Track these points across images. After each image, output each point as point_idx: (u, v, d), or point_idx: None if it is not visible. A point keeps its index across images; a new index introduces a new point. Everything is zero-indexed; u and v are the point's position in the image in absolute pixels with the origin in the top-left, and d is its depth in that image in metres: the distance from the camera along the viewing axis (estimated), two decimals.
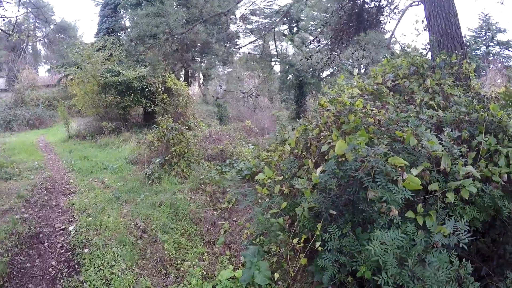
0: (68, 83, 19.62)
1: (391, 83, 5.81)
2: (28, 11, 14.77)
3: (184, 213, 6.70)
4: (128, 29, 11.30)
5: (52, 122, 26.04)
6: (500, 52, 41.21)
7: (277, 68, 29.09)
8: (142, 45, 9.91)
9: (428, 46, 8.39)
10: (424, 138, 3.65)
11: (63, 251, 5.52)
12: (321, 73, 21.23)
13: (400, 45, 9.34)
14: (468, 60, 7.31)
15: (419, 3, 9.39)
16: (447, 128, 4.23)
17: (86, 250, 5.41)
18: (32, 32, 34.48)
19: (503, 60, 39.52)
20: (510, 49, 40.66)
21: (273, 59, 25.75)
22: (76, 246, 5.58)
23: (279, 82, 28.49)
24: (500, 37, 41.19)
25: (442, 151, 3.57)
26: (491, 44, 41.30)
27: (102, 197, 7.69)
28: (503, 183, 3.86)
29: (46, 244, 5.74)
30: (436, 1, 7.96)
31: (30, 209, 7.10)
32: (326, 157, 4.04)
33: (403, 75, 5.90)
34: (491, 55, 40.27)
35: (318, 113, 4.36)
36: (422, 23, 8.79)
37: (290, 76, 26.66)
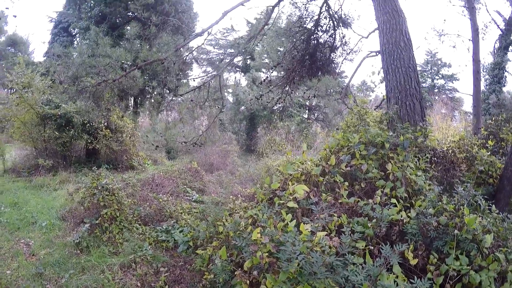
0: (6, 110, 17.95)
1: (345, 166, 4.99)
2: None
3: None
4: (57, 68, 10.31)
5: None
6: (445, 85, 45.88)
7: (229, 98, 28.73)
8: (73, 88, 8.83)
9: (382, 99, 7.92)
10: None
11: None
12: (273, 106, 20.80)
13: (355, 100, 8.70)
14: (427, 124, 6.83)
15: (376, 54, 8.87)
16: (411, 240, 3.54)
17: None
18: None
19: (448, 92, 43.26)
20: (453, 81, 45.40)
21: (225, 91, 25.36)
22: None
23: (230, 113, 27.95)
24: (444, 71, 46.05)
25: None
26: (436, 77, 45.97)
27: (26, 270, 6.85)
28: None
29: None
30: (395, 54, 7.44)
31: None
32: None
33: (360, 155, 5.09)
34: (436, 88, 44.82)
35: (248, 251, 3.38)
36: (378, 74, 8.31)
37: (242, 108, 26.17)
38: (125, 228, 8.54)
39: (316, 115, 29.21)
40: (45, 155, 15.95)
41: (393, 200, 4.47)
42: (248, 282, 3.36)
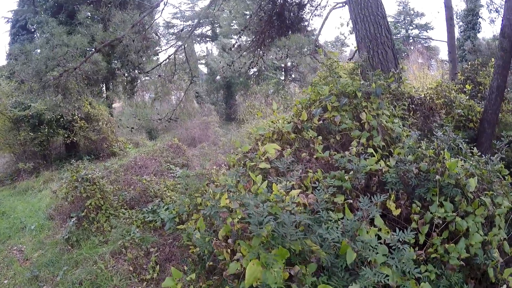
0: None
1: (318, 120, 4.84)
2: None
3: None
4: (17, 66, 9.88)
5: None
6: (419, 35, 45.59)
7: (203, 69, 28.35)
8: (36, 84, 8.54)
9: (355, 51, 7.76)
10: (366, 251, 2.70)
11: None
12: (248, 72, 20.56)
13: (325, 53, 8.50)
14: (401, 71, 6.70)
15: (343, 4, 8.66)
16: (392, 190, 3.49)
17: None
18: None
19: (423, 41, 43.38)
20: (428, 31, 45.17)
21: (198, 62, 24.93)
22: None
23: (206, 84, 27.65)
24: (418, 21, 45.86)
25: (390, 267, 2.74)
26: (410, 27, 45.72)
27: (21, 276, 6.87)
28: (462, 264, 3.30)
29: None
30: (363, 3, 7.27)
31: None
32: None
33: (332, 107, 4.93)
34: (410, 38, 44.35)
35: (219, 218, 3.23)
36: (347, 25, 8.15)
37: (218, 77, 25.87)
38: (111, 215, 8.49)
39: (292, 75, 29.03)
40: (24, 158, 15.71)
41: (370, 150, 4.34)
42: (228, 250, 3.26)
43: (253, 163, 3.94)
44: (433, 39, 43.38)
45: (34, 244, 8.35)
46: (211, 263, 3.58)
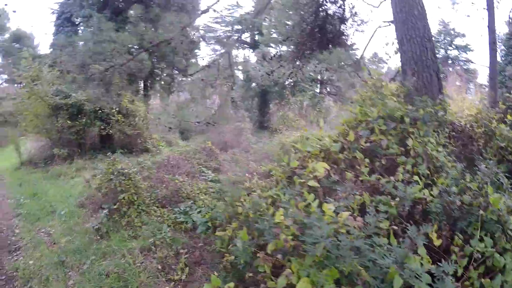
0: (17, 105, 18.10)
1: (365, 141, 4.86)
2: None
3: (134, 287, 5.89)
4: (62, 57, 10.22)
5: (7, 142, 24.04)
6: (459, 56, 43.89)
7: (239, 76, 28.52)
8: (81, 76, 8.78)
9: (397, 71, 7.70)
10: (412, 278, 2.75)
11: None
12: (284, 82, 20.62)
13: (369, 72, 8.47)
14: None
15: (389, 23, 8.61)
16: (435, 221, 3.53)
17: None
18: None
19: (462, 63, 42.17)
20: (467, 52, 43.87)
21: (235, 68, 25.11)
22: None
23: (241, 90, 27.83)
24: (458, 41, 44.55)
25: None
26: (450, 48, 44.23)
27: (48, 259, 6.87)
28: None
29: None
30: (410, 24, 7.14)
31: None
32: None
33: (379, 130, 4.93)
34: (449, 59, 43.03)
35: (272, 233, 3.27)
36: (392, 45, 8.06)
37: (253, 84, 26.00)
38: (143, 211, 8.53)
39: (328, 89, 28.92)
40: (59, 144, 16.18)
41: (416, 178, 4.33)
42: (271, 264, 3.32)
43: (302, 180, 3.98)
44: (472, 62, 42.41)
45: (63, 229, 8.44)
46: (250, 275, 3.62)
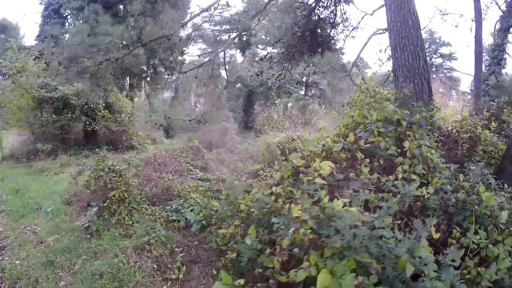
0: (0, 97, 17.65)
1: (364, 143, 5.05)
2: None
3: (130, 287, 5.78)
4: (53, 50, 10.08)
5: None
6: (443, 64, 44.88)
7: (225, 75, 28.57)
8: (73, 68, 8.70)
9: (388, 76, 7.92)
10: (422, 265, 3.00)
11: None
12: (271, 82, 20.86)
13: (363, 77, 8.72)
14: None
15: (384, 31, 8.86)
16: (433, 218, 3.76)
17: None
18: None
19: (445, 71, 43.09)
20: (451, 61, 45.29)
21: (221, 68, 25.14)
22: None
23: (227, 90, 27.97)
24: (443, 50, 45.64)
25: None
26: (435, 56, 45.34)
27: (35, 258, 6.57)
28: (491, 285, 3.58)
29: None
30: (404, 33, 7.41)
31: None
32: None
33: (377, 132, 5.16)
34: (433, 66, 44.12)
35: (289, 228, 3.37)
36: (385, 52, 8.32)
37: (238, 85, 26.12)
38: (134, 209, 8.38)
39: (313, 91, 29.24)
40: (43, 139, 15.82)
41: (414, 176, 4.57)
42: (280, 260, 3.43)
43: (310, 178, 4.10)
44: (456, 70, 43.33)
45: (50, 227, 8.09)
46: (260, 270, 3.71)
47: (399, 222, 3.84)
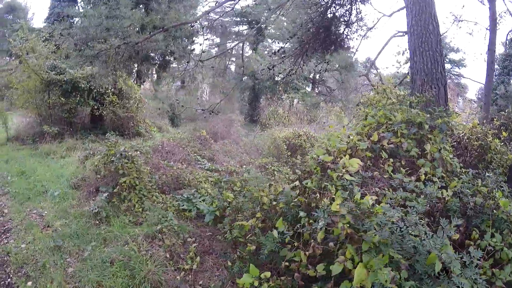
0: (7, 77, 17.49)
1: (388, 143, 5.14)
2: None
3: (142, 276, 5.56)
4: (71, 30, 9.97)
5: None
6: (451, 70, 44.22)
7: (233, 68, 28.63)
8: (89, 51, 8.65)
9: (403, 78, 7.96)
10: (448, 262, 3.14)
11: None
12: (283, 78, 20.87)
13: (380, 78, 8.77)
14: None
15: (403, 34, 8.87)
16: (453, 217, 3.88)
17: None
18: None
19: (453, 77, 42.91)
20: (460, 67, 43.91)
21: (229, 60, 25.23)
22: None
23: (234, 83, 27.91)
24: (452, 55, 44.02)
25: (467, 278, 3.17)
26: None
27: (42, 243, 6.41)
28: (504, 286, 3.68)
29: None
30: (424, 37, 7.41)
31: None
32: None
33: (401, 134, 5.25)
34: None
35: (327, 219, 3.41)
36: (403, 54, 8.35)
37: (245, 77, 26.06)
38: (144, 196, 8.29)
39: (319, 88, 29.26)
40: (50, 121, 15.71)
41: (435, 179, 4.70)
42: (306, 253, 3.50)
43: (339, 174, 4.17)
44: (464, 77, 43.04)
45: (57, 211, 7.95)
46: (286, 264, 3.77)
47: (422, 221, 3.96)
